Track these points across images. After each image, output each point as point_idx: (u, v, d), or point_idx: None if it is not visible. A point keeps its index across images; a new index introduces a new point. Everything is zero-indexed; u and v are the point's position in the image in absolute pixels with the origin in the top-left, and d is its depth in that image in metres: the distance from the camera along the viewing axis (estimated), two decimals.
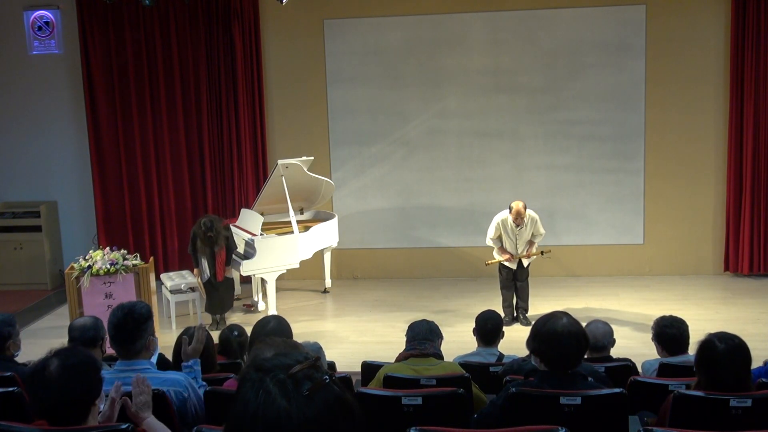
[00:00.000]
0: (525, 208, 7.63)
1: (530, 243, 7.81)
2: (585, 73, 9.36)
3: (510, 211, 7.63)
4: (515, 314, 7.97)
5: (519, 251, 7.78)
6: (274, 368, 1.50)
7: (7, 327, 4.20)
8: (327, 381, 1.50)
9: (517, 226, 7.68)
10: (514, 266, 7.86)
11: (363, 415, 1.56)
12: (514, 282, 7.94)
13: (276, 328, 3.71)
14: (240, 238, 8.45)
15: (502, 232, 7.77)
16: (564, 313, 3.42)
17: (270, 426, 1.44)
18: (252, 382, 1.49)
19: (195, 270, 8.07)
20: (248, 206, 8.86)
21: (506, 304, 7.95)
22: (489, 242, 7.92)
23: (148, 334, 3.60)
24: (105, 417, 2.94)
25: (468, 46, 9.46)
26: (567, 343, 3.29)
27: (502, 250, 7.84)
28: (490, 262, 7.96)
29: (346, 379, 4.26)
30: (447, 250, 9.82)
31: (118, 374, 3.45)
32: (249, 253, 8.29)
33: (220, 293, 8.05)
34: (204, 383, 3.77)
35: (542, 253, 7.90)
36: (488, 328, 4.97)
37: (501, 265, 7.94)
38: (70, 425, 2.79)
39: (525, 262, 7.88)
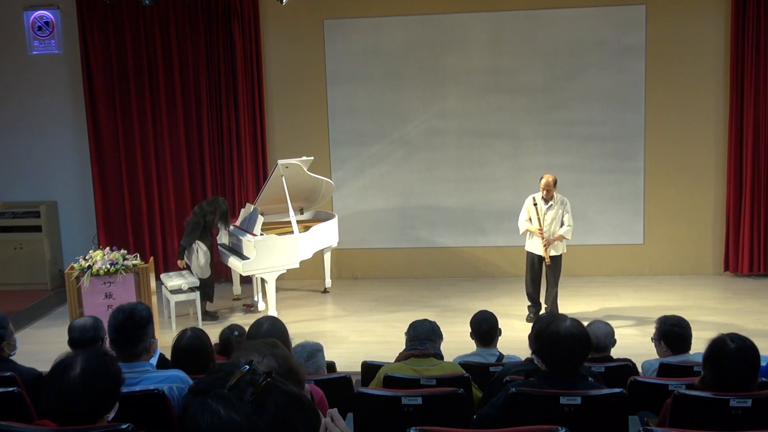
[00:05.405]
0: (555, 181, 7.63)
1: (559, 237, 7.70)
2: (585, 74, 9.36)
3: (540, 183, 7.64)
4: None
5: (544, 235, 7.66)
6: (212, 386, 1.48)
7: (0, 329, 4.18)
8: (269, 381, 1.49)
9: (546, 202, 7.64)
10: (543, 252, 7.66)
11: (314, 405, 1.56)
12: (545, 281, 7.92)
13: (270, 329, 3.70)
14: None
15: (530, 214, 7.70)
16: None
17: None
18: (196, 407, 1.47)
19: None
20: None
21: (530, 299, 7.98)
22: (521, 226, 7.84)
23: (149, 337, 3.59)
24: None
25: (468, 46, 9.46)
26: (569, 346, 3.28)
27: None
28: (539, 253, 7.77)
29: (346, 379, 4.27)
30: (447, 250, 9.82)
31: None
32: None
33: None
34: None
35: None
36: (484, 330, 4.96)
37: (528, 260, 7.88)
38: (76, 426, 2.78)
39: (551, 251, 7.68)
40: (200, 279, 8.20)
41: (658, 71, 9.24)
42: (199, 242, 8.14)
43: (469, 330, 5.06)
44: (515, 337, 6.52)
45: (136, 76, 9.64)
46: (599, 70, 9.34)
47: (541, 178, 7.69)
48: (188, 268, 8.26)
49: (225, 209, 8.27)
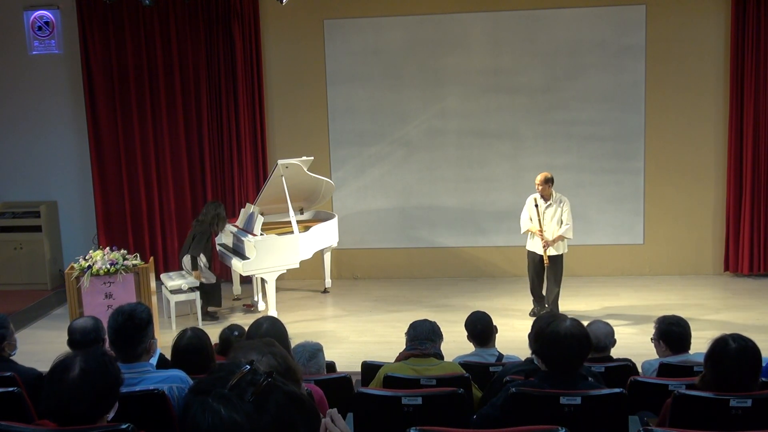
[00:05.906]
0: (549, 179, 7.65)
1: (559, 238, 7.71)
2: (585, 74, 9.36)
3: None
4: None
5: (545, 235, 7.66)
6: (213, 386, 1.48)
7: (1, 329, 4.18)
8: (270, 381, 1.49)
9: (545, 201, 7.66)
10: (542, 251, 7.69)
11: (314, 404, 1.56)
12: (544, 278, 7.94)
13: (270, 329, 3.70)
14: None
15: (531, 213, 7.72)
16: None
17: None
18: (196, 407, 1.46)
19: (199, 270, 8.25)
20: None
21: (534, 297, 8.03)
22: (523, 225, 7.84)
23: (149, 338, 3.59)
24: None
25: (468, 46, 9.46)
26: (569, 346, 3.28)
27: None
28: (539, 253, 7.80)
29: (345, 379, 4.26)
30: (447, 250, 9.82)
31: None
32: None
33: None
34: None
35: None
36: (479, 330, 4.97)
37: (529, 259, 7.91)
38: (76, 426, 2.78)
39: (551, 251, 7.69)
40: (207, 284, 8.21)
41: (658, 71, 9.24)
42: None
43: None
44: (515, 337, 6.53)
45: (136, 76, 9.64)
46: (599, 70, 9.34)
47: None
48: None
49: (224, 213, 8.41)
